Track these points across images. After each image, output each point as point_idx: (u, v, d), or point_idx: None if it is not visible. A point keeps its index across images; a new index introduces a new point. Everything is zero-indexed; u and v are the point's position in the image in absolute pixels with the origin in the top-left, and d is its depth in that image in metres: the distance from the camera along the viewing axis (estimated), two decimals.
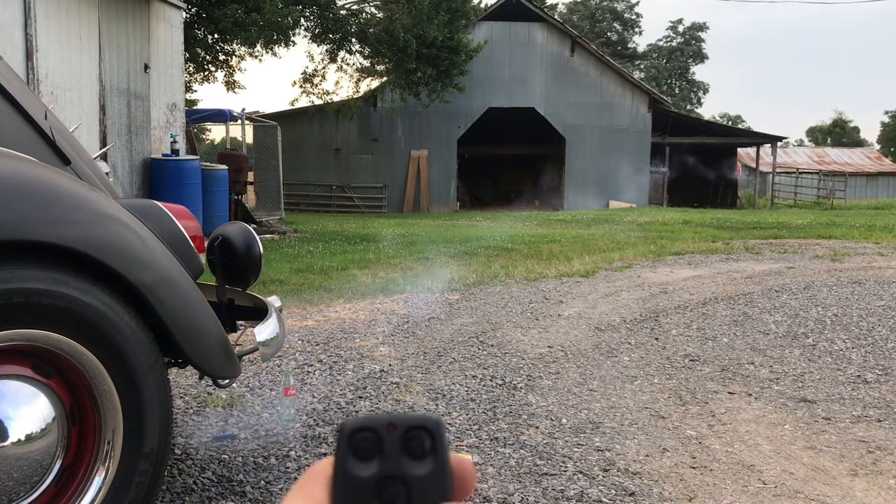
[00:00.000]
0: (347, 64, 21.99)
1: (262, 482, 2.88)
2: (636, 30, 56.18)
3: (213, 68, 18.85)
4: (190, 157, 11.63)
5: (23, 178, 2.02)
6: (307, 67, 22.94)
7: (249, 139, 15.36)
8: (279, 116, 21.40)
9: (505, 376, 4.37)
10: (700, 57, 57.79)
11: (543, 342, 5.20)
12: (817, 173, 33.40)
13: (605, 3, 55.00)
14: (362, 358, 4.70)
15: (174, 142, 11.48)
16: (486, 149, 27.15)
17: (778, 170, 30.92)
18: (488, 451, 3.23)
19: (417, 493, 0.36)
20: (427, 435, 0.36)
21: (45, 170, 2.17)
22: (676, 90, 57.29)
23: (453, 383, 4.21)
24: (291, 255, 9.96)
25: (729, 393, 4.13)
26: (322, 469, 0.36)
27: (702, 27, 57.55)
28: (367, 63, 21.82)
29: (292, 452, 3.18)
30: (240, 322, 2.99)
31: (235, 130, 15.88)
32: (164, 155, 11.08)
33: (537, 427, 3.55)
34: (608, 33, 54.96)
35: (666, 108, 27.36)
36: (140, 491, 2.14)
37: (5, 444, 1.93)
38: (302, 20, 19.51)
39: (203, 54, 17.94)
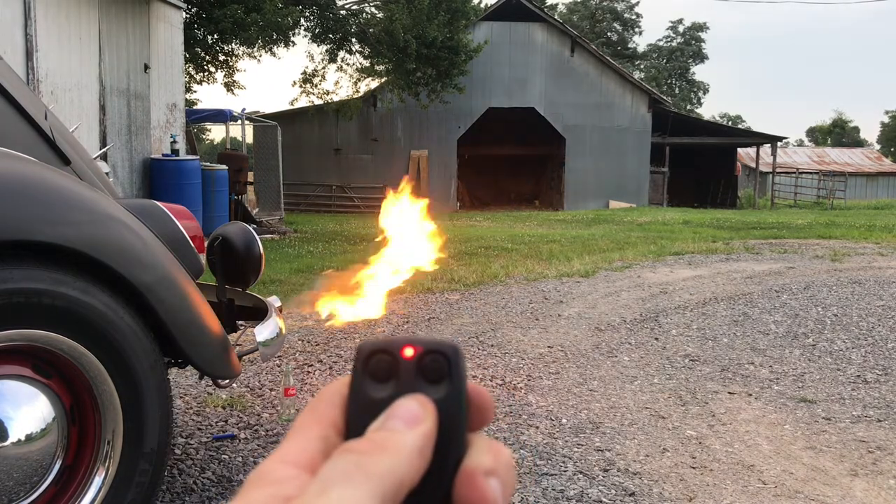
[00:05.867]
0: (347, 64, 21.97)
1: None
2: (636, 30, 56.19)
3: (212, 68, 18.83)
4: (190, 157, 11.62)
5: (23, 178, 2.02)
6: (307, 67, 22.90)
7: (249, 139, 15.36)
8: (279, 116, 21.40)
9: (505, 376, 4.36)
10: (700, 57, 57.79)
11: (543, 342, 5.20)
12: (817, 173, 33.40)
13: (605, 3, 54.99)
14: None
15: (174, 142, 11.48)
16: (486, 149, 27.14)
17: (778, 170, 30.92)
18: None
19: None
20: (444, 360, 0.36)
21: (45, 170, 2.17)
22: (676, 90, 57.27)
23: None
24: (291, 255, 9.96)
25: (729, 393, 4.13)
26: (336, 389, 0.36)
27: (702, 27, 57.56)
28: (366, 63, 21.80)
29: None
30: (240, 322, 2.99)
31: (235, 130, 15.90)
32: (164, 155, 11.08)
33: (537, 427, 3.55)
34: (608, 33, 54.95)
35: (666, 108, 27.34)
36: (140, 491, 2.14)
37: (5, 444, 1.93)
38: (302, 20, 19.50)
39: (203, 54, 17.92)
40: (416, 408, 0.34)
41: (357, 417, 0.35)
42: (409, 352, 0.36)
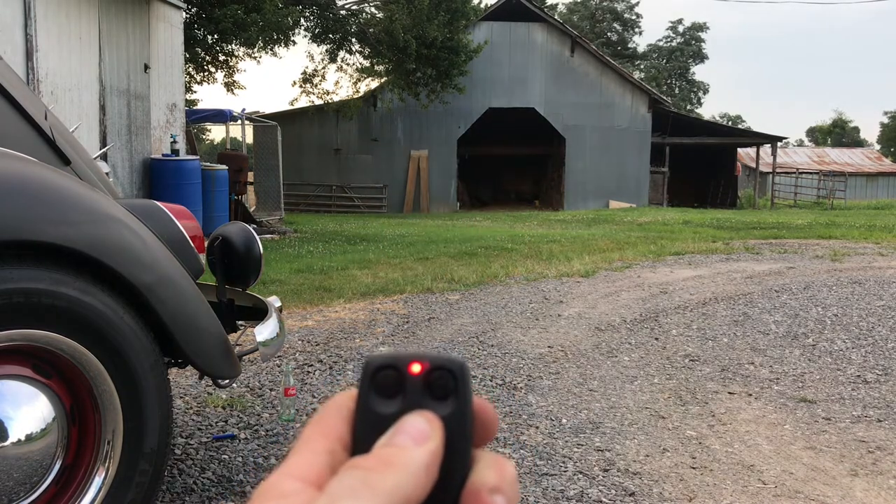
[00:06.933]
0: (347, 64, 22.00)
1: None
2: (636, 30, 56.21)
3: (213, 69, 18.84)
4: (190, 157, 11.62)
5: (23, 178, 2.02)
6: (307, 67, 22.93)
7: (249, 139, 15.36)
8: (279, 116, 21.40)
9: (505, 376, 4.36)
10: (700, 57, 57.80)
11: (543, 342, 5.20)
12: (817, 173, 33.40)
13: (605, 3, 55.00)
14: (362, 358, 4.69)
15: (174, 142, 11.48)
16: (487, 149, 27.15)
17: (778, 170, 30.92)
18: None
19: None
20: (451, 376, 0.36)
21: (46, 170, 2.17)
22: (676, 90, 57.28)
23: None
24: (291, 256, 9.96)
25: (729, 393, 4.13)
26: (343, 402, 0.36)
27: (702, 27, 57.58)
28: (366, 63, 21.82)
29: None
30: (240, 322, 2.99)
31: (235, 130, 15.90)
32: (164, 155, 11.08)
33: (537, 427, 3.55)
34: (608, 33, 54.96)
35: (666, 108, 27.35)
36: (140, 491, 2.14)
37: (5, 444, 1.93)
38: (302, 20, 19.51)
39: (203, 54, 17.92)
40: (424, 424, 0.34)
41: (363, 432, 0.35)
42: (416, 368, 0.36)
